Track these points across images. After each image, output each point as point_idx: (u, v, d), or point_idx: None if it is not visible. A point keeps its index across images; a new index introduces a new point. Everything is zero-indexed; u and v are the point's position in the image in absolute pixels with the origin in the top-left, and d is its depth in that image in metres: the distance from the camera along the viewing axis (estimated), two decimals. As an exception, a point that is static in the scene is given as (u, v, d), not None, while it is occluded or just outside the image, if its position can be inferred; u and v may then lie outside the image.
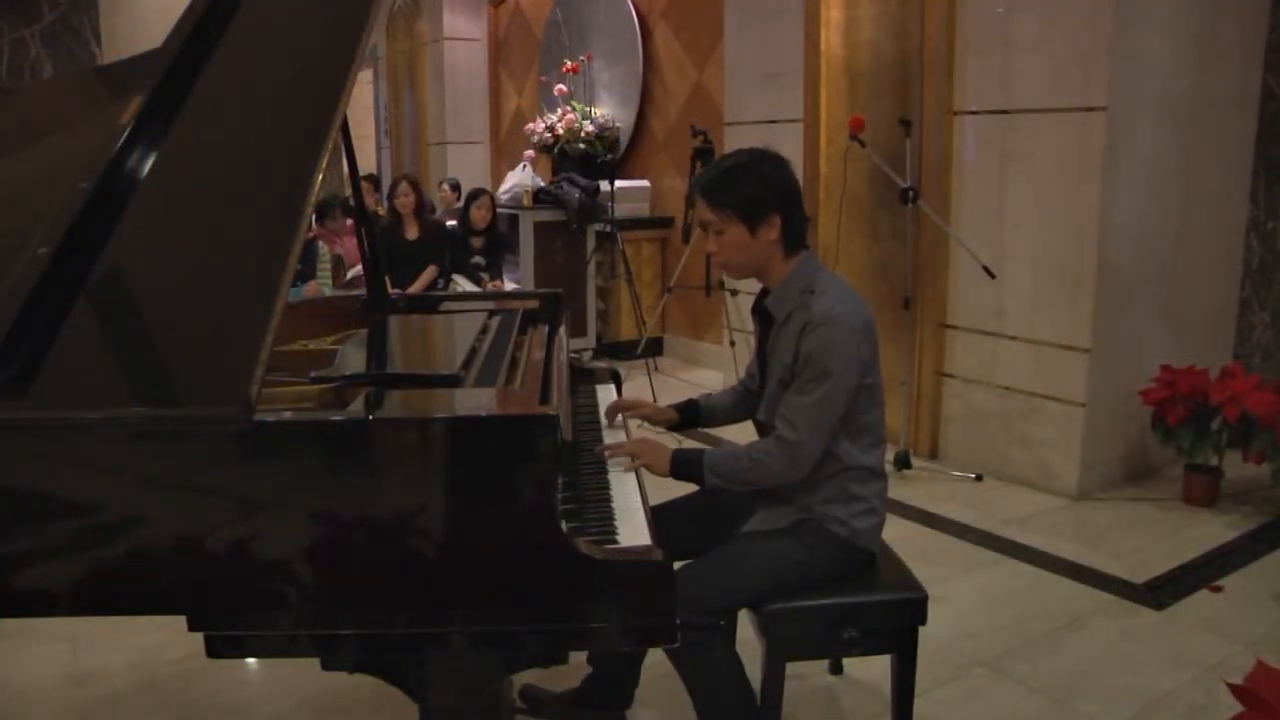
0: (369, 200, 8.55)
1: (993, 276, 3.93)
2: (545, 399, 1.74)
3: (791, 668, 2.14)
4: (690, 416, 2.35)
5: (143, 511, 1.43)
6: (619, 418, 2.31)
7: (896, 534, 3.71)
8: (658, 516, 2.26)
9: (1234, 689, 1.63)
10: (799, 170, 4.93)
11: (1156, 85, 3.87)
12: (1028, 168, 3.95)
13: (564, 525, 1.46)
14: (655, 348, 6.53)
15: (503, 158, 8.88)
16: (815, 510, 2.09)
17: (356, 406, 1.54)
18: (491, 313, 2.51)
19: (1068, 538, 3.56)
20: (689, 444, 3.64)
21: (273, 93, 1.94)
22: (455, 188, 7.70)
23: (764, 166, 2.03)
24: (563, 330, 2.48)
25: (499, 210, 6.38)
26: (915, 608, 2.08)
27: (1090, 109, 3.69)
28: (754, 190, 2.01)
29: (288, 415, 1.46)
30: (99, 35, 6.61)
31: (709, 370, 6.22)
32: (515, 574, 1.45)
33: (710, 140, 5.13)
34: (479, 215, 5.99)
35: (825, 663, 2.68)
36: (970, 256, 3.99)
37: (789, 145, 4.87)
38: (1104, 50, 3.64)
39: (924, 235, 4.30)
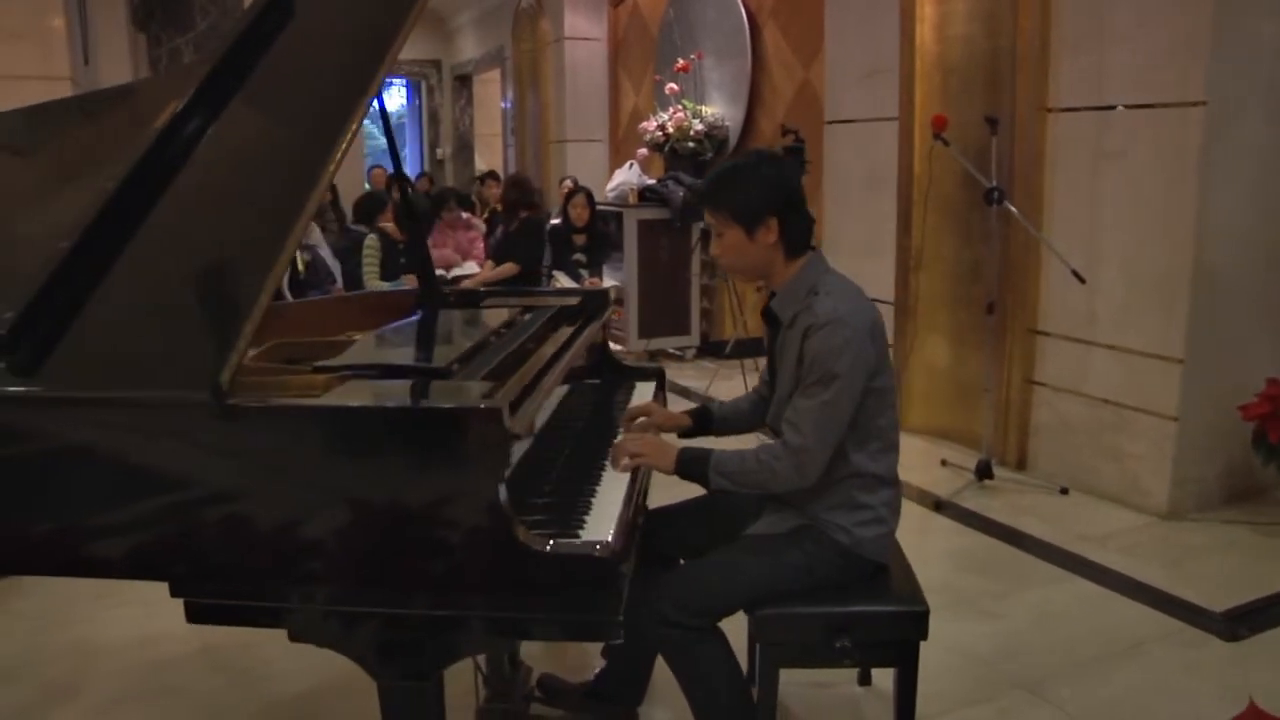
0: (491, 196, 8.79)
1: (1083, 281, 3.73)
2: (521, 393, 1.78)
3: (817, 676, 2.07)
4: (703, 423, 2.32)
5: (126, 488, 1.56)
6: (637, 422, 2.30)
7: (962, 545, 3.60)
8: (664, 517, 2.28)
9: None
10: (894, 169, 4.80)
11: (1265, 75, 3.59)
12: (1122, 167, 3.74)
13: (510, 513, 1.49)
14: (758, 348, 6.48)
15: (620, 156, 8.97)
16: (818, 517, 2.05)
17: (328, 396, 1.62)
18: (525, 309, 2.57)
19: (1146, 558, 3.35)
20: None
21: (295, 95, 2.04)
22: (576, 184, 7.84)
23: (762, 169, 2.00)
24: (593, 327, 2.52)
25: (604, 208, 6.45)
26: (915, 621, 2.03)
27: (1189, 104, 3.47)
28: (750, 193, 1.98)
29: (251, 400, 1.54)
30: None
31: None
32: (454, 560, 1.50)
33: (802, 139, 5.07)
34: (576, 213, 6.09)
35: (854, 672, 2.62)
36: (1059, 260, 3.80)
37: (885, 144, 4.76)
38: (1206, 40, 3.41)
39: (1013, 237, 4.12)
